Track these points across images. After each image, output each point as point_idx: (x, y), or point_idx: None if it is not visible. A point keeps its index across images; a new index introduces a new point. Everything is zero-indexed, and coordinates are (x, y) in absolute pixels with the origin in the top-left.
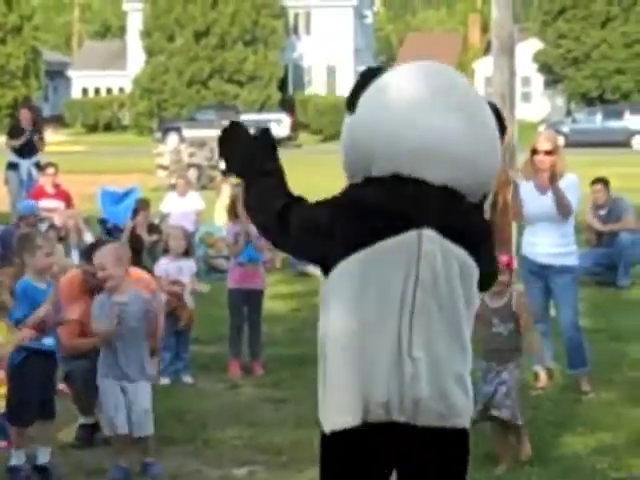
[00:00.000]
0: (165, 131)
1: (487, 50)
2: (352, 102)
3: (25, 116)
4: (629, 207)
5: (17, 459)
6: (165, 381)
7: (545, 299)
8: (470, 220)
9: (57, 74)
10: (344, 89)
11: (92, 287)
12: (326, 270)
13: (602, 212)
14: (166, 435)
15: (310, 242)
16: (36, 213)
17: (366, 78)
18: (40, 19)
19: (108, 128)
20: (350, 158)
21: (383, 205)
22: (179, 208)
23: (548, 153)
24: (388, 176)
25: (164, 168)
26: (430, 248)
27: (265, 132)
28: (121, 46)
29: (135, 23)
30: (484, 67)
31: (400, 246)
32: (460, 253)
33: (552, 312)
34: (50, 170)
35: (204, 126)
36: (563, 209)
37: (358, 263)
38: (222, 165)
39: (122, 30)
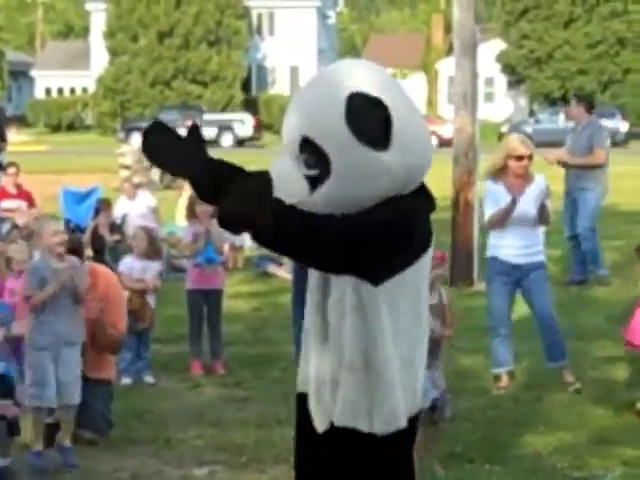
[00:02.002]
0: (128, 131)
1: (450, 50)
2: (388, 139)
3: None
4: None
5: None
6: (126, 381)
7: (510, 301)
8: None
9: (20, 74)
10: None
11: None
12: (376, 282)
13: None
14: (127, 435)
15: (362, 255)
16: None
17: (384, 111)
18: (3, 19)
19: (71, 128)
20: (388, 193)
21: (427, 215)
22: (133, 211)
23: (527, 158)
24: (417, 187)
25: (127, 168)
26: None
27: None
28: (84, 46)
29: (98, 23)
30: (447, 67)
31: (427, 255)
32: None
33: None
34: (11, 170)
35: None
36: (547, 220)
37: (414, 274)
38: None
39: (85, 30)
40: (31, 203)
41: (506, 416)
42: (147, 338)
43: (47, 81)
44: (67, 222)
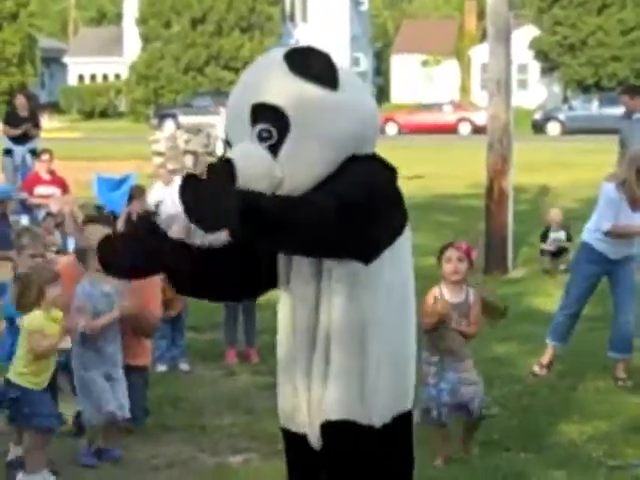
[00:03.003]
0: (161, 118)
1: (483, 37)
2: (336, 79)
3: (21, 103)
4: None
5: (13, 454)
6: (162, 368)
7: (591, 291)
8: None
9: (53, 61)
10: None
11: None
12: (366, 260)
13: None
14: (162, 422)
15: (362, 236)
16: (10, 197)
17: (327, 55)
18: (36, 6)
19: (104, 115)
20: (349, 135)
21: (394, 179)
22: (168, 197)
23: None
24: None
25: (160, 155)
26: None
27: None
28: (117, 33)
29: (131, 9)
30: (480, 54)
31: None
32: None
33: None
34: (45, 157)
35: (200, 113)
36: None
37: (403, 246)
38: (218, 151)
39: (118, 17)
40: (65, 189)
41: (541, 404)
42: (182, 326)
43: (80, 68)
44: (100, 208)
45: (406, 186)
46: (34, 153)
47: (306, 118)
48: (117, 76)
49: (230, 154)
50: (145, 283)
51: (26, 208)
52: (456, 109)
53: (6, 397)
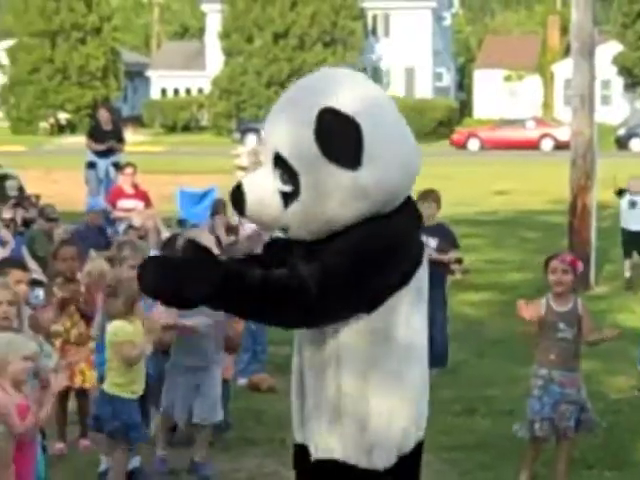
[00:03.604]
0: (243, 132)
1: (566, 52)
2: (359, 159)
3: (104, 116)
4: None
5: (105, 465)
6: (243, 382)
7: None
8: None
9: (136, 75)
10: (423, 91)
11: None
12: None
13: None
14: (244, 435)
15: (345, 307)
16: (99, 211)
17: (355, 130)
18: (119, 20)
19: (186, 129)
20: (355, 216)
21: (413, 229)
22: None
23: None
24: (402, 203)
25: (242, 169)
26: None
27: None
28: (200, 47)
29: (214, 24)
30: (563, 69)
31: (422, 269)
32: None
33: None
34: (129, 170)
35: None
36: None
37: (409, 294)
38: None
39: (201, 31)
40: (148, 203)
41: (625, 422)
42: (264, 340)
43: (163, 82)
44: (183, 222)
45: (490, 202)
46: (117, 166)
47: (318, 192)
48: (200, 90)
49: (247, 189)
50: None
51: (109, 220)
52: (539, 125)
53: (102, 408)
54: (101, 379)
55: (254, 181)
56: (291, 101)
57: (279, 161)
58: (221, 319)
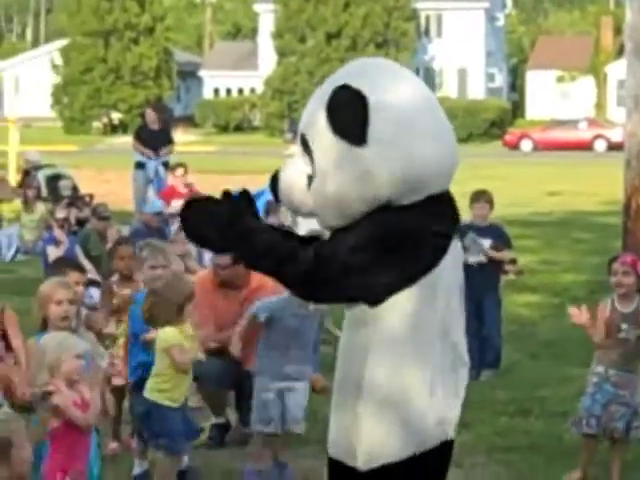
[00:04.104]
0: (296, 132)
1: (620, 53)
2: (364, 135)
3: (150, 116)
4: None
5: (139, 468)
6: None
7: None
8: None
9: (189, 74)
10: (475, 92)
11: (224, 282)
12: (371, 304)
13: None
14: (298, 435)
15: (353, 289)
16: (159, 212)
17: (363, 106)
18: (172, 20)
19: (239, 129)
20: (378, 191)
21: (422, 231)
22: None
23: None
24: (423, 199)
25: None
26: (456, 255)
27: (227, 195)
28: (252, 47)
29: (267, 24)
30: (616, 70)
31: (442, 269)
32: (460, 250)
33: None
34: (179, 171)
35: None
36: None
37: (409, 296)
38: None
39: (253, 31)
40: None
41: None
42: (317, 340)
43: (215, 81)
44: None
45: (543, 203)
46: (167, 166)
47: (328, 169)
48: (252, 90)
49: (281, 174)
50: (267, 293)
51: (164, 221)
52: (591, 126)
53: (143, 415)
54: (135, 384)
55: (287, 166)
56: (321, 86)
57: (303, 142)
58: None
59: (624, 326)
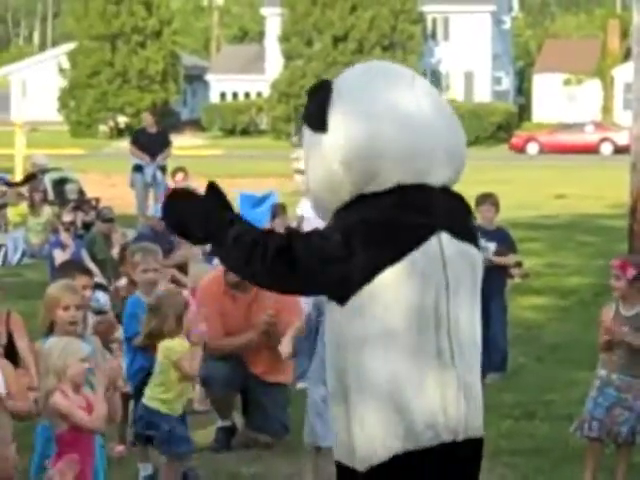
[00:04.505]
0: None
1: (627, 56)
2: (323, 120)
3: (147, 119)
4: None
5: (144, 471)
6: (302, 385)
7: None
8: (466, 214)
9: (196, 78)
10: (482, 95)
11: (233, 284)
12: (340, 299)
13: None
14: (303, 440)
15: (326, 274)
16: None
17: (324, 92)
18: (179, 23)
19: (245, 132)
20: (338, 178)
21: (398, 219)
22: (312, 212)
23: None
24: (391, 188)
25: (301, 172)
26: (450, 251)
27: (211, 187)
28: (259, 50)
29: (273, 28)
30: (623, 73)
31: (426, 255)
32: (475, 254)
33: None
34: (179, 176)
35: None
36: None
37: (390, 282)
38: None
39: (260, 34)
40: None
41: None
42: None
43: (222, 85)
44: None
45: (549, 206)
46: (164, 170)
47: (305, 161)
48: (259, 94)
49: None
50: (285, 301)
51: None
52: (598, 129)
53: (143, 421)
54: (136, 388)
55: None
56: None
57: None
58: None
59: (625, 329)
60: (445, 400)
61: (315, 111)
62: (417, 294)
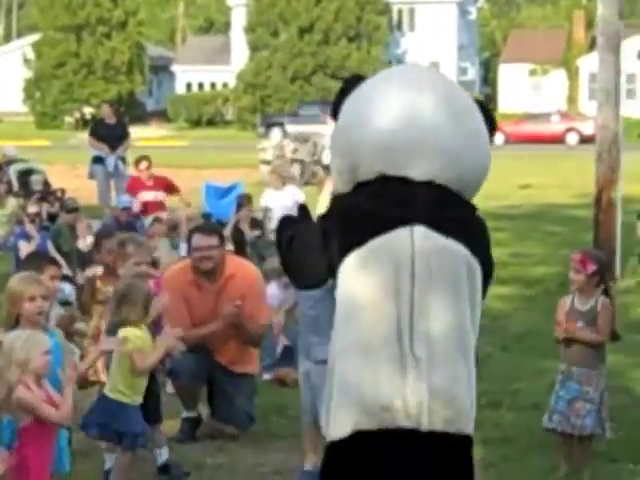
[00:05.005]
0: (268, 126)
1: (592, 47)
2: (335, 110)
3: (106, 111)
4: None
5: (110, 462)
6: (267, 377)
7: None
8: (463, 214)
9: (161, 69)
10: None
11: (203, 272)
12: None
13: None
14: (269, 430)
15: (315, 264)
16: (127, 207)
17: (348, 85)
18: (145, 14)
19: (211, 123)
20: (339, 165)
21: (370, 207)
22: (277, 202)
23: None
24: (374, 179)
25: (267, 163)
26: (423, 244)
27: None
28: (225, 41)
29: (239, 18)
30: (588, 63)
31: (390, 244)
32: (460, 250)
33: None
34: (143, 165)
35: (307, 122)
36: None
37: (353, 264)
38: (325, 160)
39: (226, 25)
40: (173, 189)
41: None
42: (293, 334)
43: (188, 76)
44: (208, 216)
45: (515, 196)
46: (124, 160)
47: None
48: (224, 84)
49: None
50: (252, 292)
51: (134, 215)
52: (563, 119)
53: (102, 412)
54: None
55: None
56: None
57: None
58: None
59: (579, 324)
60: (404, 387)
61: (333, 102)
62: (376, 280)
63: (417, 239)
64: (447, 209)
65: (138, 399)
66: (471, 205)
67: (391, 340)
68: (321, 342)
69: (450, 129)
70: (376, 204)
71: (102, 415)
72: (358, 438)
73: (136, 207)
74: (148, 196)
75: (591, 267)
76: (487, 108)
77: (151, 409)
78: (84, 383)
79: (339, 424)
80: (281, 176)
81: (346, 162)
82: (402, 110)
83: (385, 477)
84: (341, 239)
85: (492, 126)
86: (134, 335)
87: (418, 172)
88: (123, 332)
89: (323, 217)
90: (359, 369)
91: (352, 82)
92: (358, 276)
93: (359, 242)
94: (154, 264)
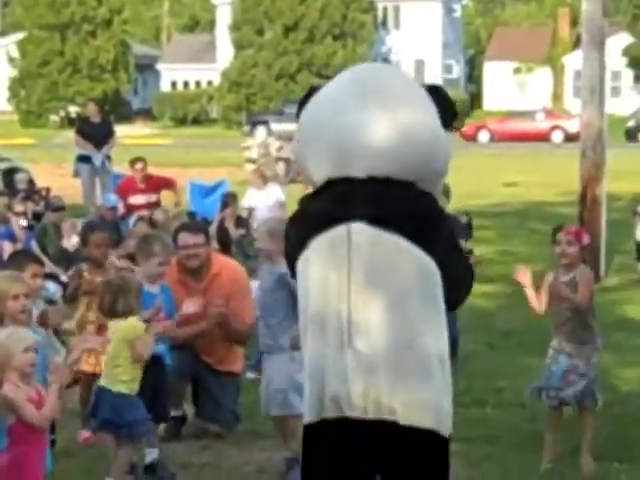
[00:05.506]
0: (253, 124)
1: (576, 44)
2: (297, 116)
3: (91, 109)
4: None
5: (150, 456)
6: (251, 375)
7: None
8: (408, 209)
9: (146, 67)
10: (432, 83)
11: (189, 271)
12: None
13: None
14: (253, 429)
15: (288, 259)
16: (113, 207)
17: (310, 91)
18: (129, 13)
19: (196, 121)
20: (303, 174)
21: (314, 209)
22: (260, 202)
23: None
24: (324, 183)
25: (252, 161)
26: (360, 240)
27: None
28: (210, 40)
29: (224, 17)
30: (573, 61)
31: (330, 242)
32: (400, 243)
33: None
34: (138, 165)
35: (292, 120)
36: None
37: (301, 263)
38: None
39: (211, 24)
40: (170, 185)
41: (633, 413)
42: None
43: (173, 74)
44: (193, 214)
45: (500, 193)
46: (109, 159)
47: None
48: (209, 83)
49: None
50: (237, 291)
51: (119, 215)
52: (548, 117)
53: (103, 405)
54: None
55: None
56: None
57: None
58: None
59: (566, 291)
60: (347, 379)
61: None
62: (319, 277)
63: (353, 235)
64: (387, 204)
65: (137, 388)
66: (425, 199)
67: (335, 335)
68: (268, 333)
69: (380, 125)
70: (320, 205)
71: (111, 411)
72: (317, 426)
73: (121, 209)
74: (139, 200)
75: (586, 239)
76: (443, 94)
77: (160, 408)
78: (70, 383)
79: (305, 410)
80: (262, 176)
81: (304, 172)
82: (331, 113)
83: (337, 463)
84: (294, 240)
85: (449, 112)
86: (132, 324)
87: (358, 170)
88: (121, 323)
89: (289, 220)
90: (313, 362)
91: (308, 95)
92: (306, 274)
93: (305, 243)
94: (132, 259)
